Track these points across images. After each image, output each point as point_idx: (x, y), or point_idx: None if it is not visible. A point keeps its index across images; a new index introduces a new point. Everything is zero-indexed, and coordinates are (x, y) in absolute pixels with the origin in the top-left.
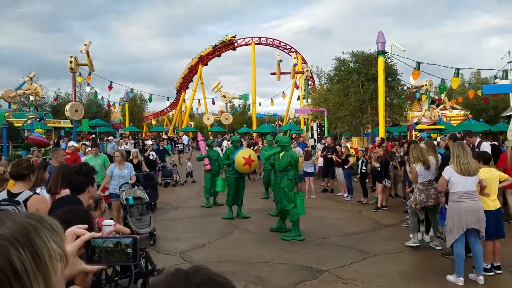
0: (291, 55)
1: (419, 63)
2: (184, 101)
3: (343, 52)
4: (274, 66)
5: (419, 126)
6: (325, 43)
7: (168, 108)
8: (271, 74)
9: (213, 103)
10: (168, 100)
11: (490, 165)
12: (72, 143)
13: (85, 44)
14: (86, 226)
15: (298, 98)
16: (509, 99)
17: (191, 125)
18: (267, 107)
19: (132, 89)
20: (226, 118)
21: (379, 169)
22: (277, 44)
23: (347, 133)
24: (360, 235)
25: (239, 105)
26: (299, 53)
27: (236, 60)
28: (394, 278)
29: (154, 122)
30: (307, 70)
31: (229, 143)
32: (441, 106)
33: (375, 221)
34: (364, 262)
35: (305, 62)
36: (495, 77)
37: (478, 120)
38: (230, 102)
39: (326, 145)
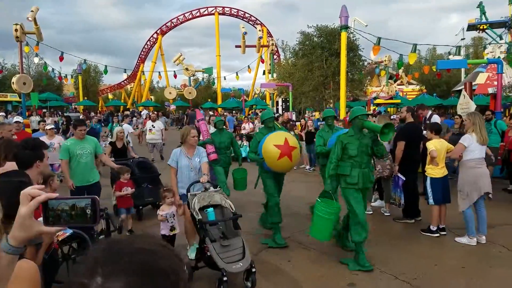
0: (256, 28)
1: (379, 38)
2: (143, 74)
3: (308, 25)
4: (239, 39)
5: (377, 101)
6: (292, 16)
7: (125, 81)
8: (236, 46)
9: (175, 76)
10: (125, 72)
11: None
12: (17, 118)
13: (31, 11)
14: (42, 186)
15: (264, 73)
16: (460, 75)
17: (151, 99)
18: (233, 82)
19: (85, 60)
20: (190, 93)
21: None
22: (242, 15)
23: (310, 108)
24: None
25: (203, 79)
26: (265, 26)
27: (200, 31)
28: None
29: (110, 96)
30: (272, 44)
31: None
32: (398, 82)
33: None
34: None
35: (271, 36)
36: (449, 53)
37: (432, 95)
38: (194, 75)
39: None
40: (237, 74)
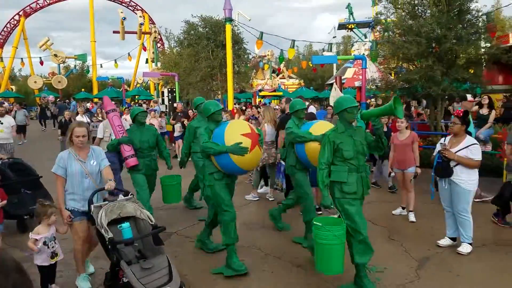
0: (136, 13)
1: (261, 33)
2: (2, 60)
3: (192, 15)
4: (118, 24)
5: (262, 93)
6: (176, 5)
7: None
8: (114, 32)
9: (41, 63)
10: None
11: None
12: None
13: None
14: None
15: (147, 61)
16: (333, 69)
17: (12, 89)
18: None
19: None
20: (59, 81)
21: None
22: (120, 0)
23: None
24: None
25: (75, 66)
26: (146, 12)
27: (72, 14)
28: (238, 229)
29: None
30: (155, 31)
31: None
32: (280, 75)
33: None
34: None
35: (153, 23)
36: (323, 50)
37: (309, 88)
38: (64, 62)
39: (176, 111)
40: (116, 62)
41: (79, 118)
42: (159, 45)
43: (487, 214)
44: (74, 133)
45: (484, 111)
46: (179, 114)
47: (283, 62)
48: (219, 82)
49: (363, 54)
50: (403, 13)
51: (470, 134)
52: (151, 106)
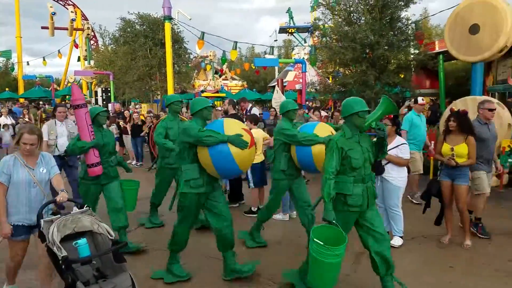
0: (67, 8)
1: (203, 33)
2: None
3: (128, 12)
4: (47, 19)
5: (204, 94)
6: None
7: None
8: (42, 28)
9: None
10: None
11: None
12: None
13: None
14: None
15: (78, 59)
16: (275, 72)
17: None
18: (40, 68)
19: None
20: None
21: None
22: None
23: (136, 99)
24: None
25: None
26: (78, 8)
27: None
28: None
29: None
30: (88, 28)
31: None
32: (223, 76)
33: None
34: None
35: (86, 19)
36: (265, 53)
37: (252, 90)
38: None
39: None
40: (44, 59)
41: (2, 120)
42: (92, 42)
43: (416, 210)
44: (22, 139)
45: None
46: (113, 115)
47: (226, 63)
48: (158, 82)
49: (303, 58)
50: (339, 19)
51: (400, 134)
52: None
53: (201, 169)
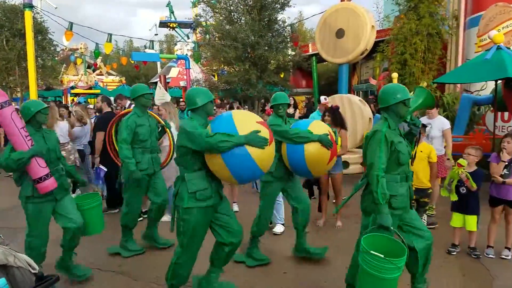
0: None
1: (71, 24)
2: None
3: None
4: None
5: (75, 91)
6: None
7: None
8: None
9: None
10: None
11: None
12: None
13: None
14: None
15: None
16: (157, 68)
17: None
18: None
19: None
20: None
21: None
22: None
23: None
24: None
25: None
26: None
27: None
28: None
29: None
30: None
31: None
32: (98, 71)
33: None
34: None
35: None
36: (145, 47)
37: (131, 86)
38: None
39: None
40: None
41: None
42: None
43: None
44: None
45: (291, 110)
46: None
47: (100, 57)
48: (17, 78)
49: (186, 54)
50: (220, 18)
51: None
52: None
53: (209, 177)
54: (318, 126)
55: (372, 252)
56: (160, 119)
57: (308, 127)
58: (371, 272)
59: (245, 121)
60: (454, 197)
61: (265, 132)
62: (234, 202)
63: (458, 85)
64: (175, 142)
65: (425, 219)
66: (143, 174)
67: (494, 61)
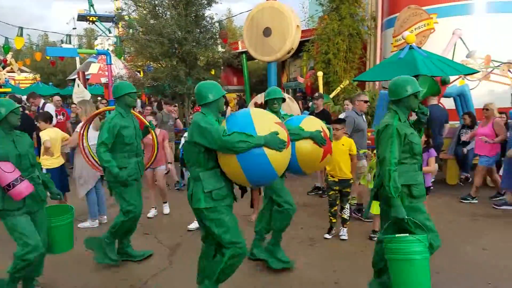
0: None
1: None
2: None
3: None
4: None
5: None
6: None
7: None
8: None
9: None
10: None
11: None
12: None
13: None
14: None
15: None
16: (76, 63)
17: None
18: None
19: None
20: None
21: None
22: None
23: None
24: None
25: None
26: None
27: None
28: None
29: None
30: None
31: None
32: (8, 68)
33: None
34: None
35: None
36: (62, 42)
37: (47, 84)
38: None
39: None
40: None
41: None
42: None
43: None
44: None
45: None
46: None
47: (11, 53)
48: None
49: (108, 49)
50: (144, 12)
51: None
52: None
53: (223, 175)
54: (311, 122)
55: (396, 235)
56: (144, 120)
57: (300, 123)
58: (400, 259)
59: (264, 120)
60: (371, 186)
61: (283, 134)
62: (165, 203)
63: (377, 83)
64: (187, 139)
65: (348, 208)
66: (130, 180)
67: (407, 60)
